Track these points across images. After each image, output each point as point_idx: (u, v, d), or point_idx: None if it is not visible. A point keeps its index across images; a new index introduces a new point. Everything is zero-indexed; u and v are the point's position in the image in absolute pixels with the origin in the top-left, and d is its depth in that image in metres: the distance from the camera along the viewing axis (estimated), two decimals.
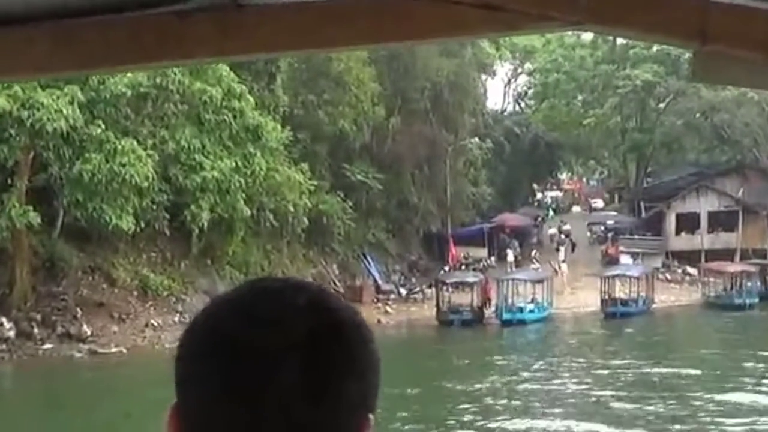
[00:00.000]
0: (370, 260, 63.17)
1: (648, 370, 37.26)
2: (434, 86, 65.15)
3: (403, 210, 66.22)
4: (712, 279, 65.16)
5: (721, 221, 73.27)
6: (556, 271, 65.32)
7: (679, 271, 70.48)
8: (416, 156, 65.08)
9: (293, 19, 2.34)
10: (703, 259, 68.71)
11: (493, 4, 2.25)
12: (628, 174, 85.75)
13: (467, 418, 29.24)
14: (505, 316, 54.90)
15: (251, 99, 45.44)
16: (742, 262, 67.31)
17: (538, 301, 57.81)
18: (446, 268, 65.55)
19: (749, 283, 63.21)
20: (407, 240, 68.07)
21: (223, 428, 1.36)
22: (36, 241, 44.20)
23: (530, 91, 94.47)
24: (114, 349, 43.40)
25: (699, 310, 61.42)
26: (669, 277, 69.25)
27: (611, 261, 68.75)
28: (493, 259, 70.43)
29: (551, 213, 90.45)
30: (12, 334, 42.05)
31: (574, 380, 35.77)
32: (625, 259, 68.80)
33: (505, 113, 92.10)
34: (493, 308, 57.06)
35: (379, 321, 52.08)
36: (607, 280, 60.57)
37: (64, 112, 37.60)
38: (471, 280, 59.36)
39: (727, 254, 69.19)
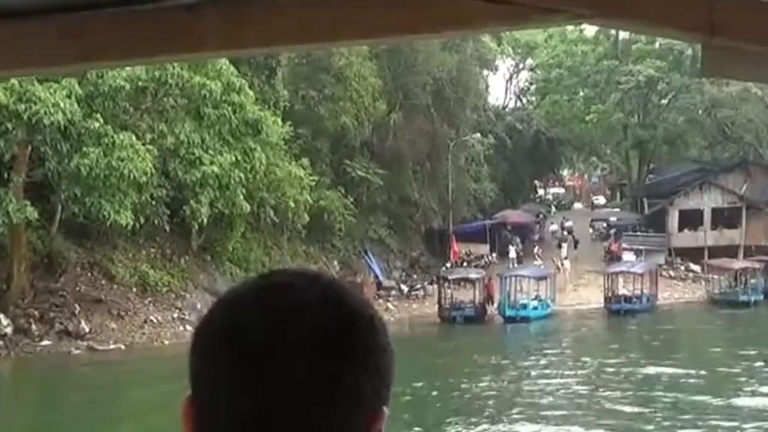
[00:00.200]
0: (371, 257, 62.98)
1: (656, 369, 36.67)
2: (436, 81, 64.92)
3: (405, 206, 66.03)
4: (715, 276, 64.73)
5: (724, 218, 73.01)
6: (558, 268, 65.00)
7: (682, 268, 70.17)
8: (418, 152, 64.92)
9: (301, 13, 2.34)
10: (706, 256, 68.40)
11: None
12: (630, 170, 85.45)
13: (473, 419, 28.82)
14: (509, 313, 54.63)
15: (251, 93, 45.13)
16: (746, 259, 66.98)
17: (541, 298, 57.41)
18: (448, 265, 65.24)
19: (754, 280, 62.78)
20: (408, 236, 67.87)
21: (235, 422, 1.35)
22: (34, 237, 43.93)
23: (532, 87, 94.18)
24: (112, 346, 43.12)
25: (703, 308, 61.00)
26: (672, 274, 68.91)
27: (614, 258, 68.50)
28: (494, 255, 70.15)
29: (554, 209, 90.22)
30: (9, 330, 41.71)
31: (582, 380, 35.25)
32: (627, 256, 68.47)
33: (507, 109, 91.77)
34: (495, 305, 56.73)
35: None
36: (610, 276, 60.20)
37: (62, 105, 37.25)
38: (473, 276, 59.09)
39: (730, 251, 68.87)
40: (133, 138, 40.08)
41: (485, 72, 77.42)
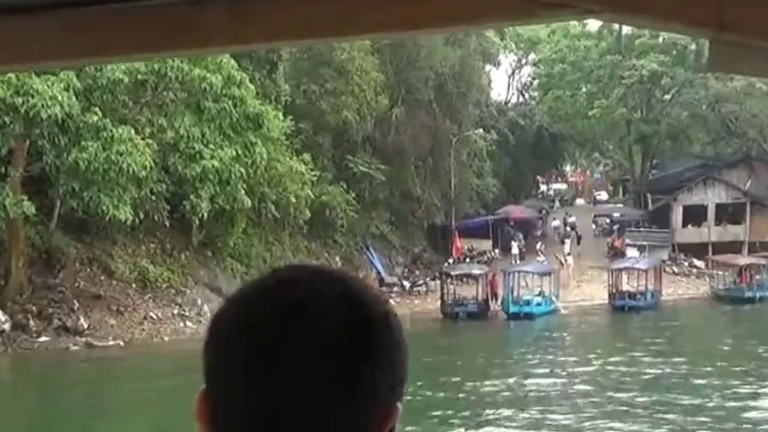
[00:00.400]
0: (373, 252, 62.82)
1: (664, 368, 36.04)
2: (438, 76, 64.77)
3: (407, 202, 65.87)
4: (720, 272, 64.40)
5: (728, 214, 72.84)
6: (561, 264, 64.68)
7: (686, 264, 70.03)
8: (420, 147, 64.82)
9: (306, 9, 2.31)
10: (710, 252, 68.18)
11: None
12: (633, 166, 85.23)
13: (478, 420, 28.39)
14: (512, 309, 54.34)
15: (252, 87, 44.82)
16: (750, 255, 66.74)
17: (545, 294, 57.04)
18: (450, 261, 65.06)
19: (759, 276, 62.45)
20: (411, 232, 67.77)
21: (250, 418, 1.36)
22: (32, 232, 43.70)
23: (535, 82, 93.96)
24: (111, 342, 42.86)
25: (708, 304, 60.72)
26: (675, 270, 68.74)
27: (617, 254, 68.32)
28: (497, 251, 69.94)
29: (557, 204, 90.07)
30: (7, 327, 41.43)
31: (590, 380, 34.56)
32: (631, 251, 68.33)
33: (509, 105, 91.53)
34: (499, 301, 56.45)
35: None
36: (614, 272, 59.83)
37: (59, 98, 36.97)
38: (476, 272, 58.83)
39: (734, 247, 68.70)
40: (132, 132, 39.83)
41: (488, 67, 77.27)
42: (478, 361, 39.94)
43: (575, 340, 47.83)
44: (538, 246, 70.50)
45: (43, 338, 41.88)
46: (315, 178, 52.68)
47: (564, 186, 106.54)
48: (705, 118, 77.71)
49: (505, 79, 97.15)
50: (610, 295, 59.01)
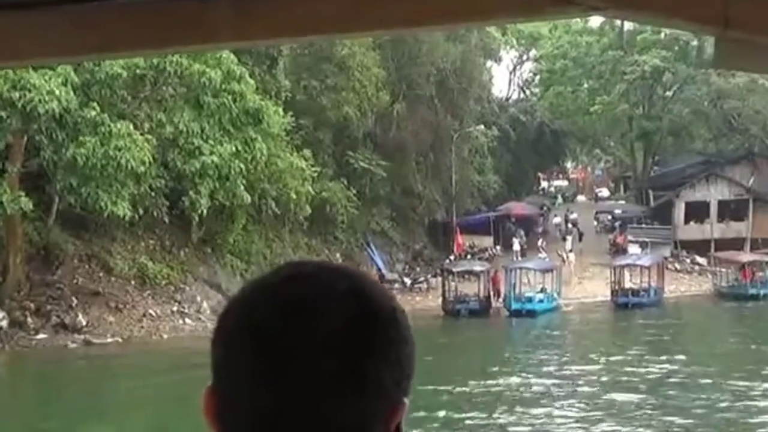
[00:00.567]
0: (373, 249, 62.60)
1: (670, 367, 35.60)
2: (439, 72, 64.53)
3: (408, 198, 65.66)
4: (723, 269, 64.09)
5: (731, 210, 72.68)
6: (563, 261, 64.41)
7: (688, 260, 69.80)
8: (421, 143, 64.59)
9: (312, 5, 2.34)
10: (712, 249, 67.94)
11: None
12: (635, 162, 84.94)
13: (482, 420, 28.04)
14: (514, 306, 54.06)
15: (252, 82, 44.52)
16: (753, 252, 66.50)
17: (547, 291, 56.71)
18: (451, 257, 64.88)
19: (761, 273, 62.14)
20: (412, 228, 67.55)
21: (256, 414, 1.37)
22: (30, 228, 43.51)
23: (536, 78, 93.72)
24: (110, 340, 42.65)
25: (711, 301, 60.41)
26: (678, 267, 68.49)
27: (619, 250, 68.08)
28: (498, 248, 69.80)
29: (560, 200, 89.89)
30: (5, 324, 41.27)
31: (595, 379, 34.18)
32: (633, 248, 68.07)
33: (510, 101, 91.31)
34: (501, 298, 56.18)
35: None
36: (616, 269, 59.50)
37: (57, 93, 36.66)
38: (478, 269, 58.54)
39: (736, 244, 68.60)
40: (131, 127, 39.54)
41: (489, 63, 76.99)
42: (482, 360, 39.60)
43: (579, 338, 47.48)
44: (539, 243, 70.34)
45: (41, 335, 41.64)
46: (315, 174, 52.37)
47: (565, 183, 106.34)
48: (707, 114, 77.45)
49: (506, 76, 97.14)
50: (612, 292, 58.73)
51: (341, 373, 1.35)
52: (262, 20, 2.32)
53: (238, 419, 1.38)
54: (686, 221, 72.91)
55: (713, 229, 71.64)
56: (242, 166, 44.00)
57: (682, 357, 37.78)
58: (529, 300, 54.66)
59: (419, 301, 57.69)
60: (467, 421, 28.10)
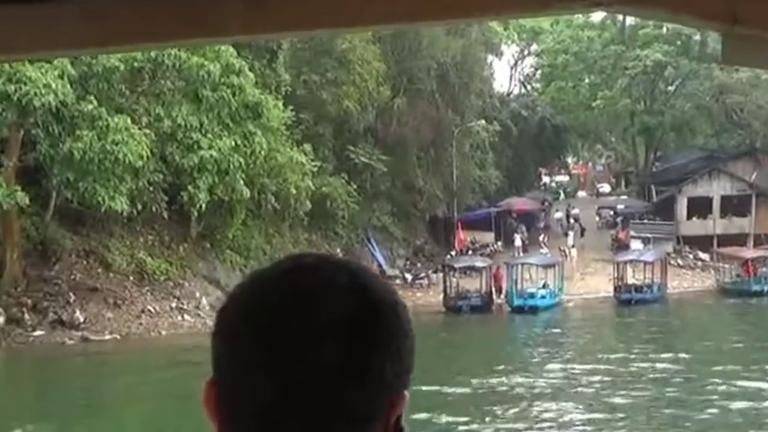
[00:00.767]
0: (374, 245, 62.38)
1: (678, 366, 34.92)
2: (440, 66, 64.27)
3: (409, 193, 65.41)
4: (726, 265, 63.70)
5: (733, 206, 72.28)
6: (565, 256, 64.17)
7: (691, 256, 69.51)
8: (422, 138, 64.34)
9: None
10: (715, 245, 67.60)
11: None
12: (636, 158, 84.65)
13: (486, 418, 27.59)
14: (516, 302, 53.76)
15: (251, 75, 44.16)
16: (756, 248, 66.19)
17: (550, 287, 56.34)
18: (453, 253, 64.68)
19: (764, 269, 61.80)
20: (412, 224, 67.32)
21: (257, 405, 1.37)
22: (27, 224, 43.17)
23: (537, 73, 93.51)
24: (107, 336, 42.41)
25: (714, 297, 60.00)
26: (680, 262, 68.18)
27: (621, 246, 67.81)
28: (500, 243, 69.54)
29: (562, 196, 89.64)
30: (1, 320, 41.05)
31: (602, 378, 33.61)
32: (635, 244, 67.78)
33: (511, 96, 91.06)
34: (503, 295, 55.86)
35: None
36: (619, 265, 59.15)
37: (53, 86, 36.28)
38: (480, 265, 58.20)
39: (739, 239, 68.28)
40: (129, 121, 39.16)
41: (490, 58, 76.82)
42: (487, 357, 39.30)
43: (583, 334, 46.93)
44: (541, 238, 70.17)
45: (38, 332, 41.36)
46: (316, 169, 52.22)
47: (566, 178, 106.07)
48: (709, 109, 77.07)
49: (507, 70, 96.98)
50: (615, 288, 58.40)
51: (343, 366, 1.34)
52: (271, 14, 2.30)
53: (239, 411, 1.37)
54: (689, 217, 72.59)
55: (716, 224, 71.30)
56: (241, 160, 43.73)
57: (688, 355, 37.13)
58: (531, 296, 54.33)
59: (420, 297, 57.46)
60: (469, 420, 27.65)
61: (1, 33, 2.44)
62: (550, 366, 36.66)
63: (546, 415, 28.22)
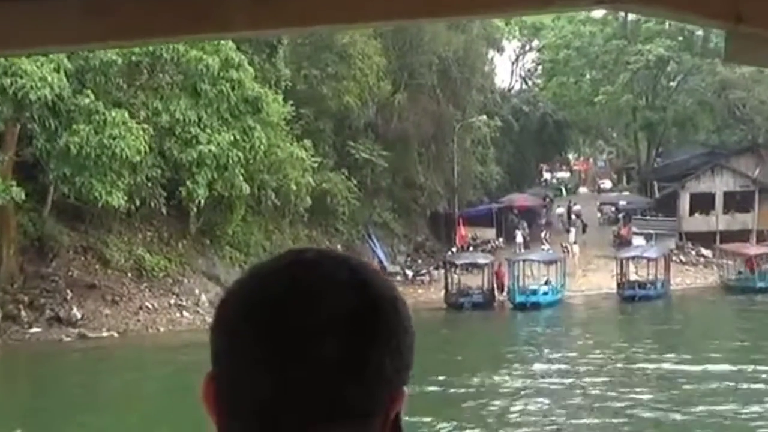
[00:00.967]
0: (375, 241, 62.05)
1: (689, 367, 34.12)
2: (442, 61, 64.03)
3: (410, 189, 65.17)
4: (730, 261, 63.28)
5: (736, 202, 71.95)
6: (566, 252, 63.81)
7: (693, 252, 69.15)
8: (423, 133, 64.13)
9: None
10: (718, 241, 67.25)
11: None
12: (638, 153, 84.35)
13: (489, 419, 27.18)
14: (518, 298, 53.38)
15: (250, 69, 43.76)
16: (759, 244, 65.80)
17: (552, 284, 55.97)
18: (454, 250, 64.37)
19: None
20: (413, 220, 67.07)
21: (257, 399, 1.37)
22: (25, 219, 42.80)
23: (539, 68, 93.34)
24: (105, 333, 42.08)
25: (718, 294, 59.50)
26: (683, 259, 67.76)
27: (623, 242, 67.44)
28: (501, 240, 69.29)
29: (564, 192, 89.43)
30: None
31: (610, 378, 33.12)
32: (637, 240, 67.48)
33: (513, 91, 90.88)
34: (505, 292, 55.48)
35: None
36: (623, 261, 58.78)
37: (49, 79, 35.86)
38: (482, 261, 57.82)
39: (742, 236, 67.92)
40: (126, 115, 38.75)
41: (491, 53, 76.62)
42: (491, 354, 38.93)
43: (587, 332, 46.41)
44: (542, 235, 69.94)
45: (34, 329, 41.00)
46: (316, 165, 51.93)
47: (567, 174, 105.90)
48: (712, 105, 76.81)
49: (508, 66, 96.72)
50: (618, 285, 57.94)
51: (342, 361, 1.34)
52: (274, 9, 2.27)
53: (238, 405, 1.37)
54: (691, 213, 72.28)
55: (719, 220, 70.93)
56: (241, 155, 43.37)
57: (696, 354, 36.44)
58: (534, 292, 53.96)
59: (421, 294, 57.15)
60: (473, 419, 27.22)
61: (2, 28, 2.41)
62: (554, 366, 36.13)
63: (550, 414, 27.80)
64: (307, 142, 51.51)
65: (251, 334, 1.36)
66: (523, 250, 64.31)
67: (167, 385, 29.76)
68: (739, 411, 27.45)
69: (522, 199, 75.91)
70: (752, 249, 63.47)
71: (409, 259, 64.39)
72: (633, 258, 59.37)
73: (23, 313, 41.12)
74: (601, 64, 78.89)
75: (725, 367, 33.78)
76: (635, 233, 69.15)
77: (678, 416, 27.15)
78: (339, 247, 56.75)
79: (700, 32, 71.10)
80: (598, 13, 78.64)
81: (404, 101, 62.24)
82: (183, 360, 30.10)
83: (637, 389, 30.71)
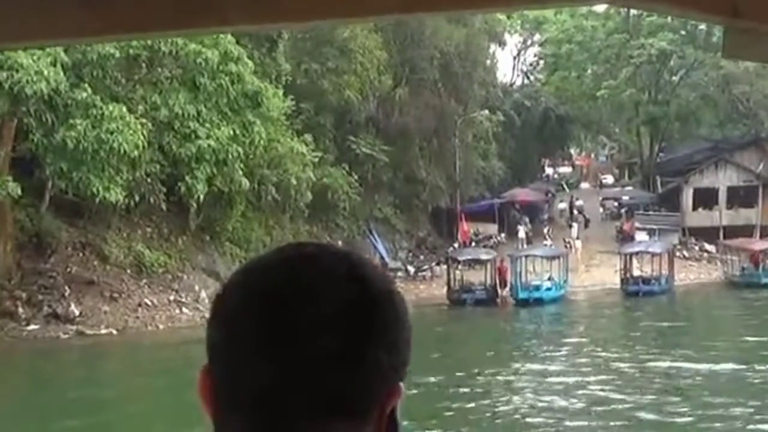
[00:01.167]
0: (376, 237, 61.93)
1: (702, 366, 33.44)
2: (443, 55, 63.83)
3: (411, 184, 65.00)
4: (734, 257, 62.89)
5: (740, 197, 71.71)
6: (569, 248, 63.52)
7: (697, 248, 68.93)
8: (424, 128, 64.02)
9: None
10: (721, 236, 66.93)
11: None
12: (641, 148, 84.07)
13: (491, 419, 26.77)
14: (521, 294, 53.03)
15: (250, 63, 43.37)
16: (763, 239, 65.46)
17: (555, 279, 55.61)
18: (456, 245, 64.16)
19: None
20: (415, 216, 66.92)
21: (254, 390, 1.37)
22: (22, 215, 42.45)
23: (541, 63, 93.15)
24: (104, 330, 41.64)
25: (723, 289, 59.23)
26: (686, 254, 67.56)
27: (626, 238, 67.22)
28: (503, 235, 69.14)
29: (566, 187, 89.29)
30: None
31: (617, 375, 32.64)
32: (640, 235, 67.16)
33: (515, 86, 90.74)
34: (508, 288, 55.18)
35: None
36: (627, 256, 58.45)
37: (46, 73, 35.38)
38: (484, 257, 57.51)
39: (746, 231, 67.65)
40: (124, 109, 38.34)
41: (493, 47, 76.61)
42: (496, 351, 38.48)
43: (593, 328, 45.88)
44: (545, 230, 69.73)
45: (32, 326, 40.56)
46: (316, 160, 51.64)
47: (569, 170, 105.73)
48: (715, 99, 76.54)
49: (510, 61, 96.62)
50: (622, 280, 57.76)
51: (339, 355, 1.34)
52: (274, 3, 2.28)
53: (235, 398, 1.37)
54: (694, 208, 72.11)
55: (722, 215, 70.68)
56: (240, 150, 42.95)
57: (704, 351, 35.87)
58: (537, 288, 53.61)
59: (423, 290, 56.96)
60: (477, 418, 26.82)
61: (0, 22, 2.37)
62: (561, 366, 35.60)
63: (554, 414, 27.39)
64: (308, 137, 51.27)
65: (250, 324, 1.35)
66: (525, 246, 64.15)
67: (166, 382, 29.42)
68: (748, 410, 27.04)
69: (524, 195, 75.90)
70: (757, 244, 63.11)
71: (410, 254, 64.29)
72: (637, 253, 59.10)
73: (20, 309, 40.71)
74: (603, 58, 78.71)
75: (733, 364, 33.31)
76: (638, 228, 68.91)
77: (682, 416, 26.74)
78: (340, 242, 56.40)
79: (703, 26, 70.62)
80: (601, 7, 78.37)
81: (405, 96, 62.12)
82: (182, 357, 29.73)
83: (643, 388, 30.21)
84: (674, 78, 77.88)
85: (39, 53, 35.62)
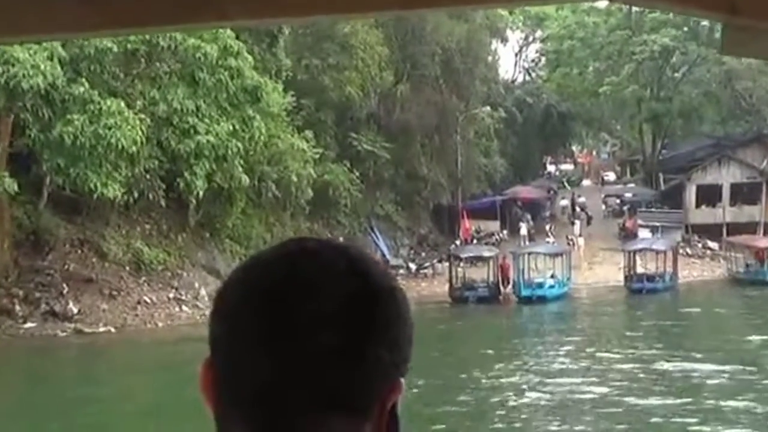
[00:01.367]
0: (377, 234, 61.72)
1: (707, 366, 32.95)
2: (445, 51, 63.67)
3: (412, 181, 64.84)
4: (738, 254, 62.54)
5: (743, 194, 71.34)
6: (571, 245, 63.23)
7: (700, 245, 68.61)
8: (426, 125, 63.85)
9: None
10: (724, 233, 66.57)
11: None
12: (643, 145, 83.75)
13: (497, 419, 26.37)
14: (524, 292, 52.75)
15: (249, 58, 43.08)
16: (767, 236, 65.01)
17: (557, 277, 55.28)
18: (457, 242, 63.85)
19: None
20: (416, 213, 66.75)
21: (256, 384, 1.37)
22: (20, 212, 42.17)
23: (542, 59, 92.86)
24: (102, 329, 41.38)
25: (727, 287, 58.88)
26: (689, 251, 67.23)
27: (628, 235, 66.93)
28: (505, 232, 68.89)
29: (567, 184, 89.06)
30: None
31: (621, 374, 32.23)
32: (643, 233, 66.92)
33: (516, 83, 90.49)
34: (510, 285, 54.95)
35: None
36: (630, 254, 58.15)
37: (42, 68, 35.04)
38: (486, 254, 57.31)
39: (749, 228, 67.28)
40: (122, 104, 38.01)
41: (494, 44, 76.58)
42: (498, 349, 38.10)
43: (597, 326, 45.53)
44: (547, 227, 69.40)
45: (29, 324, 40.32)
46: (317, 156, 51.48)
47: (571, 167, 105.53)
48: (718, 95, 76.25)
49: (512, 57, 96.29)
50: (626, 278, 57.53)
51: (339, 350, 1.33)
52: None
53: (237, 391, 1.36)
54: (697, 205, 71.77)
55: (725, 212, 70.31)
56: (240, 146, 42.76)
57: (710, 350, 35.38)
58: (540, 286, 53.29)
59: (425, 288, 56.70)
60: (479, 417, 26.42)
61: None
62: (563, 362, 35.30)
63: (557, 414, 27.04)
64: (309, 133, 51.12)
65: (251, 318, 1.35)
66: (527, 243, 63.82)
67: (165, 380, 29.12)
68: (754, 409, 26.70)
69: (526, 192, 75.63)
70: (762, 241, 62.85)
71: (412, 252, 64.10)
72: (640, 250, 58.78)
73: (18, 307, 40.49)
74: (605, 54, 78.39)
75: (737, 365, 32.87)
76: (641, 226, 68.68)
77: (686, 416, 26.35)
78: (341, 239, 56.22)
79: (705, 22, 70.23)
80: (602, 3, 77.95)
81: (407, 92, 61.99)
82: (181, 355, 29.42)
83: (647, 387, 29.84)
84: (677, 74, 77.67)
85: (35, 47, 35.39)
